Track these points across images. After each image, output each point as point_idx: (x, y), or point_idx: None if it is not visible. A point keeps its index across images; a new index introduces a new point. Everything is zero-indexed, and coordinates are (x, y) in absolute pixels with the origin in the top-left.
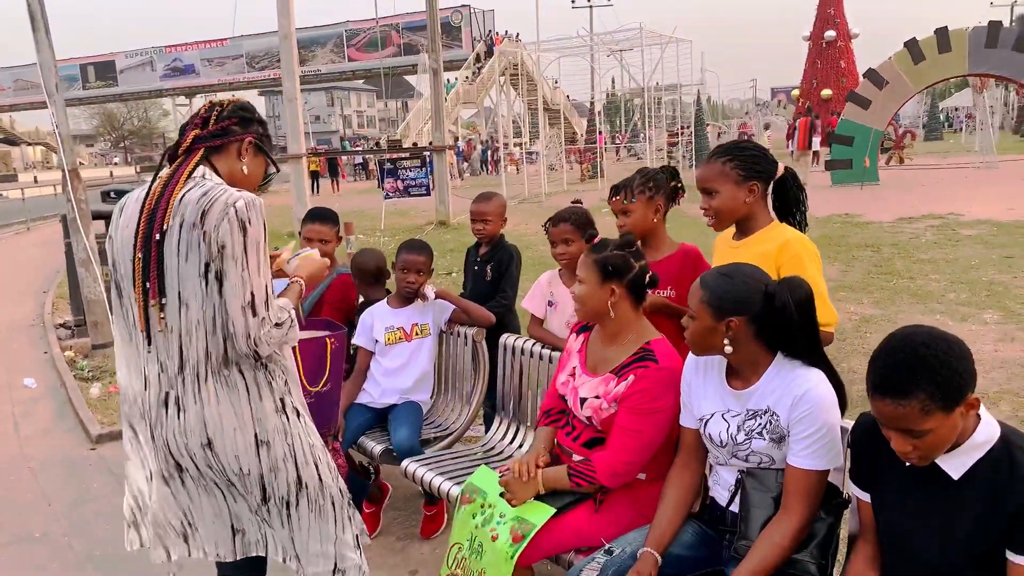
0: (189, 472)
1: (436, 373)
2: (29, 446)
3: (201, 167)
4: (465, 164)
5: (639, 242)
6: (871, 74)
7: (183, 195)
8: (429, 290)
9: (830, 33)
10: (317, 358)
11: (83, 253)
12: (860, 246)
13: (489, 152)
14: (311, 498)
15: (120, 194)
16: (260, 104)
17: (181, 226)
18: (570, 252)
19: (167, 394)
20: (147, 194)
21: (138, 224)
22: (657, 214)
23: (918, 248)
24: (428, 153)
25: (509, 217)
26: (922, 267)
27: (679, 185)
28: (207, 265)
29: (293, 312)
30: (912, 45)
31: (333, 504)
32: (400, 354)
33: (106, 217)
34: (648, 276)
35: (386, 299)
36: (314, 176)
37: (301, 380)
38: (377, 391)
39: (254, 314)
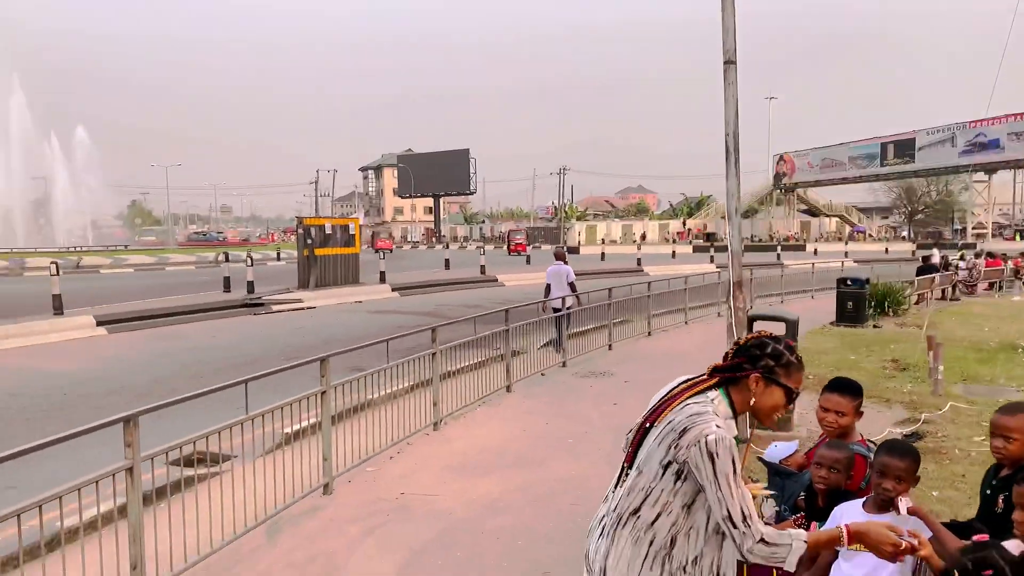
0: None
1: None
2: None
3: (714, 391)
4: None
5: None
6: None
7: (686, 403)
8: (903, 503)
9: None
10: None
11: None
12: None
13: None
14: None
15: (856, 281)
16: None
17: (669, 423)
18: None
19: (603, 518)
20: (673, 388)
21: (657, 404)
22: None
23: None
24: None
25: None
26: None
27: None
28: (669, 463)
29: (800, 545)
30: None
31: None
32: (863, 564)
33: (764, 319)
34: None
35: (864, 499)
36: None
37: None
38: None
39: (734, 527)
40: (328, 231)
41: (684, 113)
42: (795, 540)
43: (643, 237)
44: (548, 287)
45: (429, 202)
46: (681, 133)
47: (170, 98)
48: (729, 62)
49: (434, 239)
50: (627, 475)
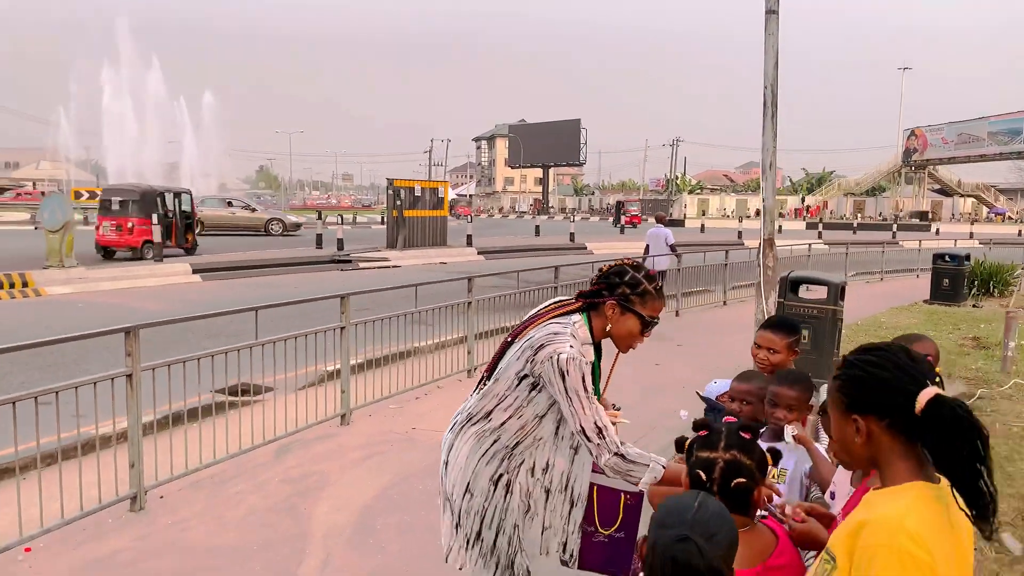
0: (441, 473)
1: None
2: None
3: (577, 315)
4: None
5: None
6: None
7: (548, 323)
8: (788, 431)
9: None
10: (611, 506)
11: (760, 315)
12: None
13: None
14: (483, 550)
15: (954, 257)
16: None
17: (528, 339)
18: None
19: (457, 419)
20: (541, 309)
21: (523, 321)
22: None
23: None
24: None
25: None
26: None
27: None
28: (524, 375)
29: (657, 468)
30: None
31: (497, 565)
32: None
33: (808, 282)
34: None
35: (765, 429)
36: None
37: (594, 520)
38: None
39: (588, 440)
40: (417, 193)
41: (817, 85)
42: (653, 463)
43: (757, 212)
44: (647, 247)
45: (540, 173)
46: (810, 107)
47: (294, 68)
48: (771, 11)
49: (539, 209)
50: (485, 384)
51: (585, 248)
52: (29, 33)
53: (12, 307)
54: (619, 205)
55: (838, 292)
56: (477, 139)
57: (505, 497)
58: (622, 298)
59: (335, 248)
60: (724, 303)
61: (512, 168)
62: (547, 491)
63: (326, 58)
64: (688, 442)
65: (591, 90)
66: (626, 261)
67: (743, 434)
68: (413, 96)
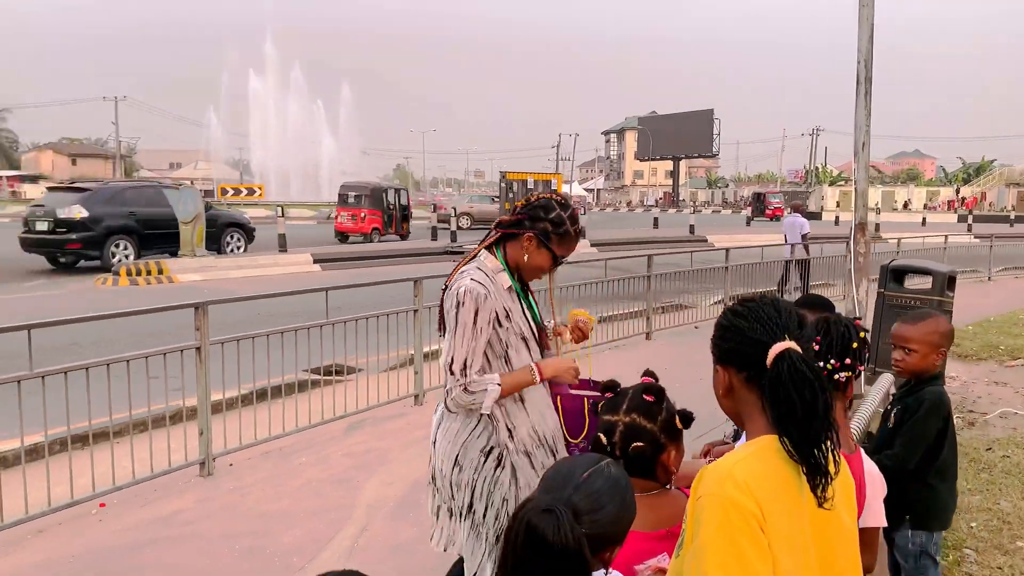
0: (431, 452)
1: None
2: None
3: (486, 252)
4: None
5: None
6: None
7: (465, 262)
8: None
9: None
10: (577, 415)
11: (850, 304)
12: None
13: None
14: (475, 522)
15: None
16: None
17: (447, 291)
18: None
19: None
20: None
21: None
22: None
23: None
24: None
25: None
26: None
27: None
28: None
29: (494, 388)
30: None
31: (486, 540)
32: None
33: (911, 271)
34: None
35: None
36: None
37: (563, 432)
38: None
39: (451, 373)
40: (530, 186)
41: (979, 66)
42: (490, 385)
43: (905, 205)
44: (785, 237)
45: (670, 165)
46: (969, 90)
47: (426, 69)
48: None
49: (670, 203)
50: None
51: (705, 241)
52: (191, 42)
53: (145, 292)
54: (757, 197)
55: (945, 282)
56: (606, 132)
57: (495, 470)
58: (542, 233)
59: (449, 240)
60: (843, 296)
61: (641, 161)
62: (527, 453)
63: (458, 57)
64: (600, 405)
65: (727, 78)
66: (555, 198)
67: (647, 397)
68: (544, 91)
